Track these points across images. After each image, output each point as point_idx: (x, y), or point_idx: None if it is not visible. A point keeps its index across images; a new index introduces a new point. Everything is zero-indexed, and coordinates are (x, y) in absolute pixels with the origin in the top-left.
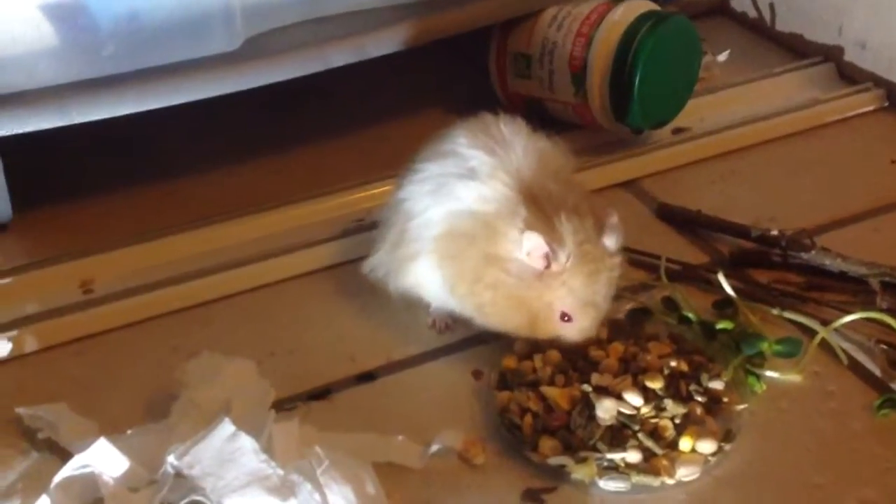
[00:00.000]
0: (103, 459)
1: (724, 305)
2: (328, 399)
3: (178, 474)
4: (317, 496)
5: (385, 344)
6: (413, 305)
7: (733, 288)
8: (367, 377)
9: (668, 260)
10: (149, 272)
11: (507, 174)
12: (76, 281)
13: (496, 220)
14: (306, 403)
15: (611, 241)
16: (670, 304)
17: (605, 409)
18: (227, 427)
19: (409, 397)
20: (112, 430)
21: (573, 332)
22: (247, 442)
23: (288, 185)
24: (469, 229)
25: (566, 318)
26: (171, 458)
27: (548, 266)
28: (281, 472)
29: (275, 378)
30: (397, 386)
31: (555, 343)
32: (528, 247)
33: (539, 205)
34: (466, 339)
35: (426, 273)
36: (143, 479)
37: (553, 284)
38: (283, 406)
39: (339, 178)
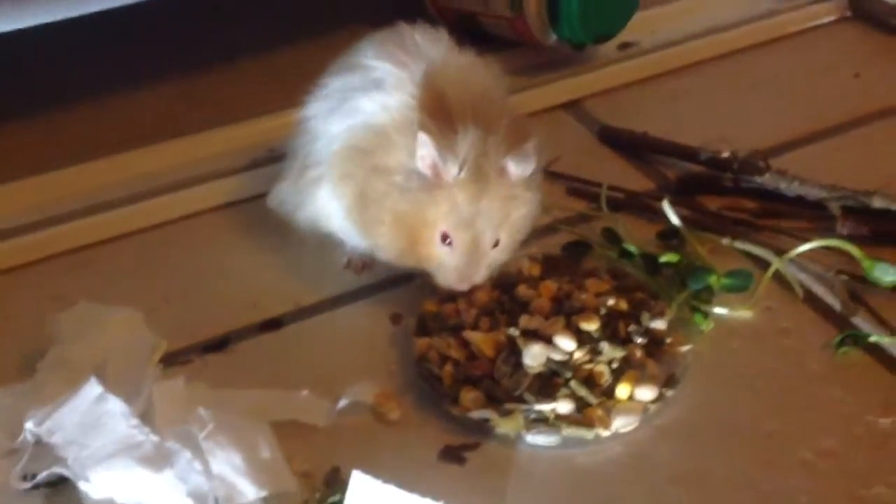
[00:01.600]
0: None
1: (669, 236)
2: (226, 351)
3: (39, 442)
4: (197, 465)
5: (293, 288)
6: (326, 244)
7: (680, 216)
8: (272, 325)
9: (610, 187)
10: (25, 211)
11: (415, 86)
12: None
13: (392, 129)
14: (201, 356)
15: (515, 166)
16: (611, 237)
17: (534, 356)
18: (93, 388)
19: (319, 347)
20: None
21: (452, 258)
22: (116, 405)
23: (192, 111)
24: (366, 143)
25: (447, 241)
26: (29, 425)
27: (436, 177)
28: (156, 438)
29: (166, 328)
30: (306, 335)
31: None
32: (420, 151)
33: (443, 115)
34: (385, 281)
35: (329, 200)
36: (1, 447)
37: (438, 198)
38: (175, 360)
39: (252, 103)
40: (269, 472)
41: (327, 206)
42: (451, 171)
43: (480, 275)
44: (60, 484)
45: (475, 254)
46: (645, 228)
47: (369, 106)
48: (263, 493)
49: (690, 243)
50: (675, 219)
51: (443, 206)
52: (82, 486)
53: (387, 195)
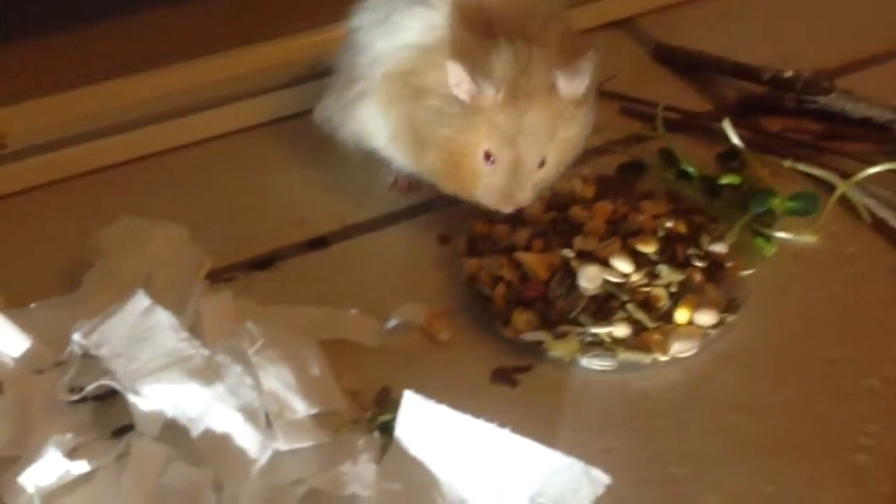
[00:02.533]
0: (0, 337)
1: (729, 157)
2: (272, 268)
3: (87, 355)
4: (248, 380)
5: (340, 206)
6: (372, 162)
7: (740, 137)
8: (318, 243)
9: (666, 107)
10: (69, 125)
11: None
12: None
13: (436, 49)
14: (247, 273)
15: (565, 82)
16: (668, 157)
17: (589, 277)
18: (141, 300)
19: (366, 267)
20: (20, 305)
21: (496, 177)
22: (164, 317)
23: (238, 25)
24: (411, 65)
25: (490, 160)
26: (76, 337)
27: (475, 100)
28: (206, 351)
29: (211, 245)
30: (352, 254)
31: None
32: (453, 79)
33: (482, 30)
34: (433, 200)
35: (371, 118)
36: (47, 359)
37: (478, 122)
38: (220, 276)
39: (297, 17)
40: (320, 390)
41: (371, 123)
42: (488, 93)
43: (525, 195)
44: (109, 397)
45: (519, 172)
46: (703, 150)
47: (414, 23)
48: (314, 411)
49: (751, 165)
50: (735, 139)
51: (483, 128)
52: (131, 398)
53: (430, 120)
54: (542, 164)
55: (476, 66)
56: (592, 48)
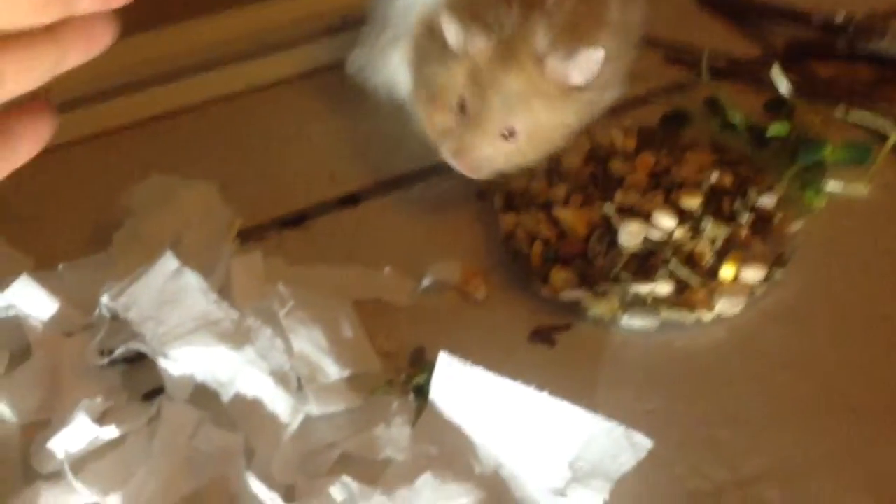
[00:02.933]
0: (28, 299)
1: (777, 106)
2: (304, 227)
3: (116, 317)
4: (279, 343)
5: (372, 161)
6: (406, 114)
7: (789, 85)
8: (350, 200)
9: (711, 54)
10: (101, 78)
11: None
12: None
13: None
14: (278, 232)
15: (554, 64)
16: (713, 107)
17: (631, 233)
18: (169, 262)
19: (399, 224)
20: (52, 263)
21: (455, 130)
22: (193, 279)
23: None
24: (435, 24)
25: (461, 107)
26: (104, 299)
27: (464, 47)
28: (236, 314)
29: (241, 203)
30: (385, 211)
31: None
32: (446, 33)
33: None
34: None
35: (403, 65)
36: (76, 322)
37: (460, 66)
38: (251, 236)
39: None
40: (353, 352)
41: (402, 71)
42: (477, 42)
43: (480, 157)
44: (139, 360)
45: (480, 127)
46: (750, 98)
47: None
48: (347, 373)
49: (801, 114)
50: (784, 87)
51: (463, 73)
52: (161, 362)
53: (424, 57)
54: (510, 133)
55: (474, 18)
56: (604, 38)
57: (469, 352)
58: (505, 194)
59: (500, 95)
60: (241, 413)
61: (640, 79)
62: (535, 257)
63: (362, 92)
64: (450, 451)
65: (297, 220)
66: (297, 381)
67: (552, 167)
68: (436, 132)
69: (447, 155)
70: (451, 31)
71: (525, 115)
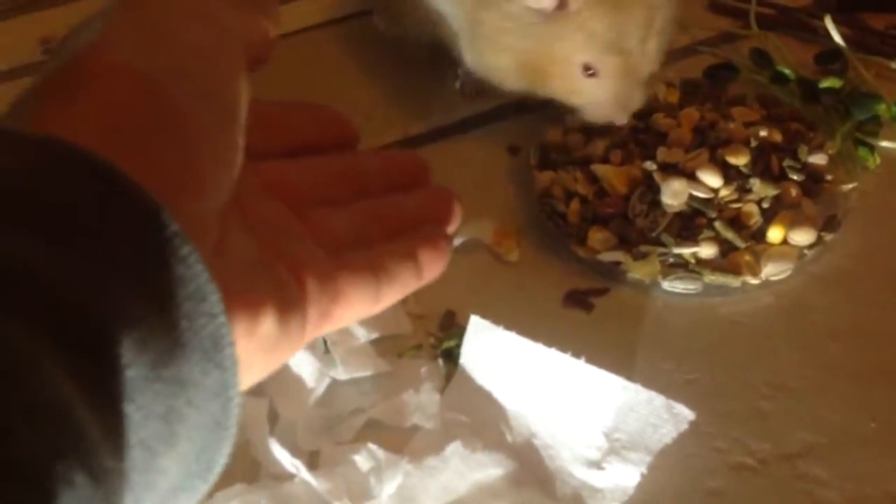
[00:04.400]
0: None
1: (829, 59)
2: None
3: None
4: None
5: (402, 114)
6: (437, 65)
7: (842, 36)
8: None
9: (760, 2)
10: None
11: None
12: (35, 38)
13: None
14: None
15: None
16: (761, 59)
17: (674, 192)
18: None
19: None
20: None
21: (603, 90)
22: None
23: None
24: None
25: (590, 72)
26: None
27: (559, 6)
28: None
29: None
30: None
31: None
32: None
33: None
34: (503, 108)
35: (428, 19)
36: None
37: (567, 29)
38: None
39: None
40: (381, 314)
41: (427, 23)
42: None
43: (639, 99)
44: None
45: (629, 79)
46: (800, 50)
47: None
48: (375, 336)
49: (855, 67)
50: (837, 38)
51: (576, 38)
52: None
53: (506, 27)
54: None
55: None
56: None
57: (501, 316)
58: (540, 149)
59: (629, 34)
60: (268, 377)
61: (685, 28)
62: (572, 215)
63: (391, 43)
64: (480, 419)
65: None
66: (323, 345)
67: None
68: (560, 98)
69: (601, 120)
70: None
71: (653, 33)
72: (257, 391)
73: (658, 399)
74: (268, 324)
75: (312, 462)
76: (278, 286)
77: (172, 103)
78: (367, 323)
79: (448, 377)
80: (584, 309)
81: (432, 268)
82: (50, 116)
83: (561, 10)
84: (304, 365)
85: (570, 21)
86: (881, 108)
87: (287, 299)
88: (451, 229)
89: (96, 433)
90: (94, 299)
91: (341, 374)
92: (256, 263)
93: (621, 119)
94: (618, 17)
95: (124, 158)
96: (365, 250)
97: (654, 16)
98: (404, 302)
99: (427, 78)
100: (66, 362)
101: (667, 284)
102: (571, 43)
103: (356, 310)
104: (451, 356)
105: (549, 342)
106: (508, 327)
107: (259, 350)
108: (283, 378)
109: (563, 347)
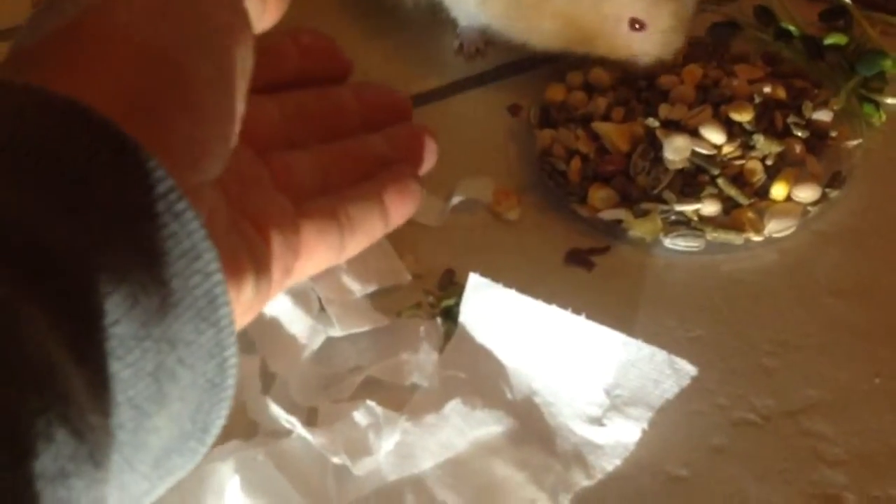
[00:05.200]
0: None
1: (834, 15)
2: None
3: None
4: None
5: (401, 73)
6: (437, 24)
7: None
8: None
9: None
10: None
11: None
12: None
13: None
14: None
15: None
16: (765, 15)
17: (676, 149)
18: None
19: None
20: None
21: (651, 42)
22: None
23: None
24: None
25: (637, 27)
26: None
27: None
28: None
29: None
30: None
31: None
32: None
33: None
34: (503, 67)
35: None
36: None
37: None
38: None
39: None
40: (378, 266)
41: None
42: None
43: (683, 38)
44: None
45: (677, 26)
46: (804, 7)
47: None
48: (372, 289)
49: (859, 23)
50: None
51: None
52: None
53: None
54: None
55: None
56: None
57: (501, 274)
58: (541, 108)
59: None
60: (258, 333)
61: None
62: (573, 174)
63: (389, 3)
64: (480, 377)
65: None
66: (318, 301)
67: (591, 78)
68: (604, 54)
69: (648, 61)
70: None
71: None
72: (247, 348)
73: (660, 354)
74: (248, 290)
75: (311, 419)
76: (251, 249)
77: (179, 73)
78: (364, 276)
79: (447, 336)
80: (585, 267)
81: (400, 212)
82: (50, 80)
83: None
84: (296, 321)
85: None
86: (886, 65)
87: (260, 263)
88: (423, 169)
89: (80, 389)
90: (78, 250)
91: (338, 330)
92: (231, 226)
93: (671, 56)
94: None
95: (128, 125)
96: (329, 196)
97: None
98: (403, 262)
99: (426, 37)
100: (50, 314)
101: (669, 242)
102: (617, 2)
103: (319, 262)
104: (451, 315)
105: (549, 300)
106: (508, 286)
107: (238, 316)
108: (275, 335)
109: (564, 306)
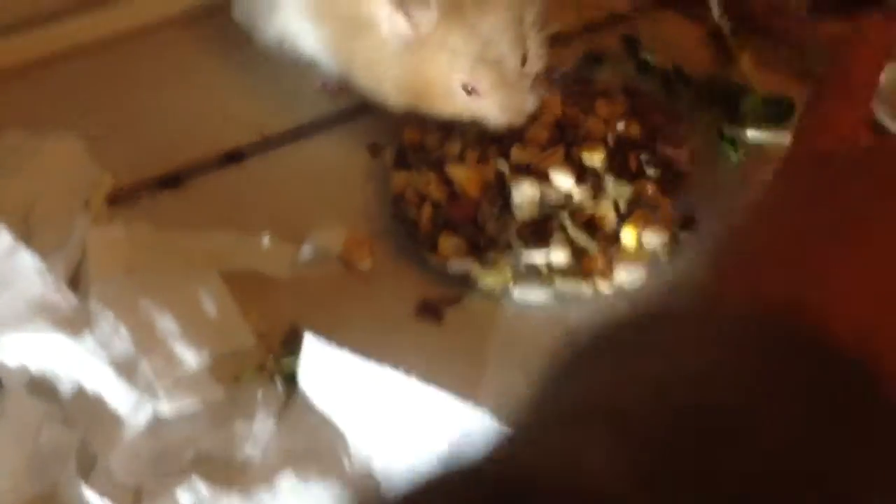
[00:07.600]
0: None
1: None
2: (181, 187)
3: None
4: (123, 329)
5: (258, 114)
6: (297, 63)
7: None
8: (233, 157)
9: None
10: None
11: None
12: None
13: None
14: (152, 194)
15: None
16: (629, 45)
17: (524, 195)
18: (4, 238)
19: (286, 182)
20: None
21: (490, 107)
22: (28, 260)
23: None
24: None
25: (471, 90)
26: None
27: (416, 30)
28: (75, 300)
29: (113, 161)
30: (271, 168)
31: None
32: (382, 16)
33: None
34: (364, 105)
35: (297, 19)
36: None
37: (431, 52)
38: (121, 198)
39: None
40: (218, 329)
41: (296, 24)
42: (426, 17)
43: (531, 99)
44: None
45: (510, 86)
46: (687, 31)
47: None
48: (208, 358)
49: (730, 53)
50: (717, 12)
51: (440, 57)
52: None
53: (376, 60)
54: (524, 60)
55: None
56: None
57: (351, 329)
58: (397, 149)
59: (499, 44)
60: (80, 409)
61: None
62: (423, 222)
63: (248, 39)
64: (318, 447)
65: (173, 181)
66: (152, 373)
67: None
68: (456, 115)
69: (502, 126)
70: (395, 22)
71: (524, 30)
72: (69, 422)
73: (495, 424)
74: None
75: (137, 498)
76: None
77: None
78: (206, 340)
79: (289, 398)
80: (435, 319)
81: None
82: None
83: (418, 34)
84: (119, 396)
85: (430, 43)
86: (752, 102)
87: None
88: None
89: None
90: None
91: (166, 408)
92: None
93: (520, 121)
94: (474, 29)
95: None
96: None
97: (518, 14)
98: (247, 319)
99: (286, 76)
100: None
101: (518, 293)
102: (439, 65)
103: None
104: (294, 376)
105: (398, 355)
106: (359, 340)
107: None
108: (98, 411)
109: (413, 361)
